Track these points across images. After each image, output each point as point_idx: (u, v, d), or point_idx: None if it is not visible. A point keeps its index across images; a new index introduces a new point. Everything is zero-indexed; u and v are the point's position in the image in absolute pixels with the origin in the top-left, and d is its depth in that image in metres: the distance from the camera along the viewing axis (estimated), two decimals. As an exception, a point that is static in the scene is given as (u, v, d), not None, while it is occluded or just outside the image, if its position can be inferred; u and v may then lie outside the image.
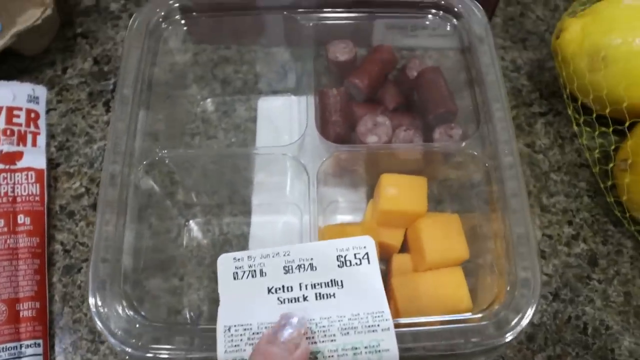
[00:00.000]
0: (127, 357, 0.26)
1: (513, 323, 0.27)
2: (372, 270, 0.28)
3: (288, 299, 0.27)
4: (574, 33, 0.39)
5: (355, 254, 0.29)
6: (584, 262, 0.38)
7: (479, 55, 0.35)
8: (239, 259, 0.29)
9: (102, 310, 0.27)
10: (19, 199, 0.38)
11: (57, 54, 0.46)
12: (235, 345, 0.26)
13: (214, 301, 0.36)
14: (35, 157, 0.40)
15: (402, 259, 0.35)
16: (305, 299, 0.27)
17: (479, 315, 0.27)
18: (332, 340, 0.26)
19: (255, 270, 0.28)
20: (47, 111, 0.43)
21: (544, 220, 0.40)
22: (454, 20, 0.38)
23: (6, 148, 0.39)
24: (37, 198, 0.38)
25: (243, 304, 0.27)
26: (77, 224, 0.39)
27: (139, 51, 0.35)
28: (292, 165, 0.35)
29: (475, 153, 0.33)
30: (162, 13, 0.36)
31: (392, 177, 0.34)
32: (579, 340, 0.36)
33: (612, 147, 0.39)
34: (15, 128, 0.40)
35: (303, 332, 0.26)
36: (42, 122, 0.42)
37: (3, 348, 0.33)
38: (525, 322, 0.27)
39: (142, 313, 0.27)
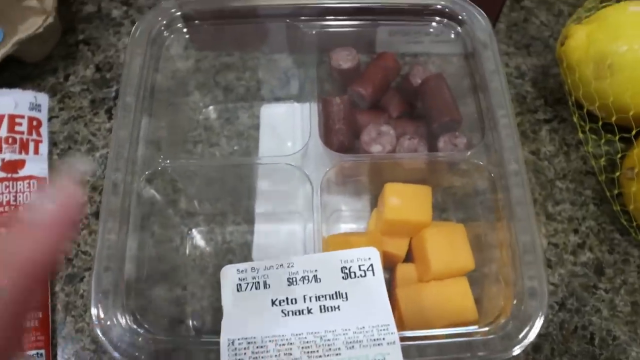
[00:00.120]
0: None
1: (520, 336, 0.26)
2: (377, 282, 0.28)
3: (292, 312, 0.27)
4: (579, 40, 0.38)
5: (359, 266, 0.28)
6: (590, 271, 0.38)
7: (483, 62, 0.35)
8: (242, 271, 0.28)
9: (104, 323, 0.27)
10: (21, 208, 0.38)
11: (59, 61, 0.46)
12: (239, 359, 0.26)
13: (217, 310, 0.36)
14: (37, 165, 0.40)
15: (407, 268, 0.35)
16: (309, 311, 0.27)
17: (486, 328, 0.27)
18: (337, 354, 0.26)
19: (259, 282, 0.28)
20: (49, 119, 0.43)
21: (549, 229, 0.39)
22: (458, 26, 0.38)
23: (8, 156, 0.39)
24: (39, 207, 0.38)
25: (247, 317, 0.27)
26: (80, 233, 0.39)
27: (142, 59, 0.35)
28: (296, 175, 0.35)
29: (481, 163, 0.32)
30: (164, 21, 0.36)
31: (397, 187, 0.34)
32: (585, 351, 0.35)
33: (619, 155, 0.39)
34: (17, 136, 0.40)
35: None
36: (44, 130, 0.42)
37: (5, 359, 0.33)
38: (533, 334, 0.26)
39: (145, 325, 0.27)
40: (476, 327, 0.27)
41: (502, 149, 0.32)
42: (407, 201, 0.34)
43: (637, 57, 0.36)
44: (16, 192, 0.38)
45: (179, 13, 0.36)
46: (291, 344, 0.26)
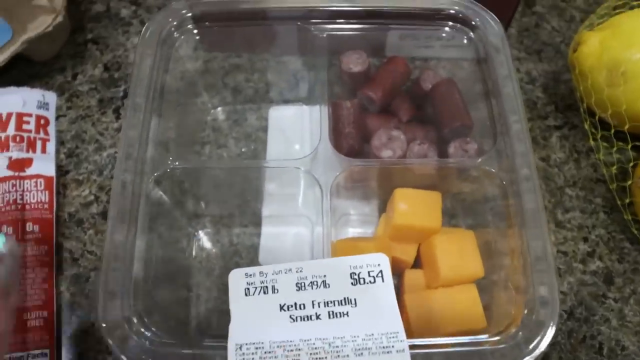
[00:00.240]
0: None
1: (531, 346, 0.26)
2: (387, 288, 0.28)
3: (300, 317, 0.27)
4: (592, 47, 0.38)
5: (369, 272, 0.28)
6: (600, 280, 0.38)
7: (495, 67, 0.35)
8: (250, 275, 0.28)
9: (111, 325, 0.26)
10: (27, 207, 0.38)
11: (67, 60, 0.46)
12: (246, 365, 0.25)
13: (223, 313, 0.36)
14: (44, 164, 0.40)
15: (415, 274, 0.34)
16: (318, 317, 0.27)
17: (496, 337, 0.27)
18: (345, 362, 0.25)
19: (267, 287, 0.28)
20: (57, 117, 0.43)
21: (558, 237, 0.39)
22: (470, 31, 0.37)
23: (15, 155, 0.39)
24: (46, 206, 0.38)
25: (254, 321, 0.27)
26: (86, 232, 0.39)
27: (151, 59, 0.34)
28: (304, 178, 0.35)
29: (493, 170, 0.32)
30: (175, 22, 0.36)
31: (406, 192, 0.34)
32: (594, 360, 0.35)
33: (631, 163, 0.38)
34: (25, 134, 0.40)
35: None
36: (51, 129, 0.42)
37: (10, 358, 0.33)
38: (544, 345, 0.26)
39: (153, 328, 0.27)
40: (486, 336, 0.27)
41: (514, 156, 0.31)
42: (416, 207, 0.33)
43: (651, 65, 0.36)
44: (23, 190, 0.38)
45: (189, 14, 0.36)
46: (299, 350, 0.26)
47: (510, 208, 0.31)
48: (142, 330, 0.27)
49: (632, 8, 0.40)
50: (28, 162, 0.39)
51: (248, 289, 0.28)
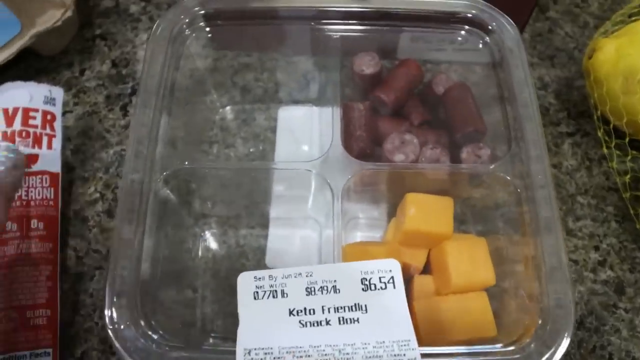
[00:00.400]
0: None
1: (545, 358, 0.25)
2: (398, 295, 0.27)
3: (310, 322, 0.26)
4: (608, 54, 0.37)
5: (380, 278, 0.28)
6: (611, 289, 0.37)
7: (511, 72, 0.34)
8: (260, 278, 0.28)
9: (118, 327, 0.26)
10: (32, 203, 0.37)
11: (75, 55, 0.46)
12: (255, 370, 0.25)
13: (229, 315, 0.35)
14: (50, 161, 0.39)
15: (425, 280, 0.34)
16: (327, 323, 0.26)
17: (510, 348, 0.26)
18: (356, 369, 0.25)
19: (276, 291, 0.27)
20: (63, 113, 0.42)
21: (569, 245, 0.39)
22: (485, 35, 0.37)
23: (21, 150, 0.38)
24: (51, 202, 0.38)
25: (263, 326, 0.26)
26: (91, 230, 0.38)
27: (162, 57, 0.34)
28: (314, 180, 0.34)
29: (508, 177, 0.32)
30: (186, 20, 0.35)
31: (418, 197, 0.33)
32: (604, 371, 0.35)
33: (644, 172, 0.38)
34: (31, 130, 0.40)
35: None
36: (58, 125, 0.41)
37: (12, 357, 0.33)
38: (558, 356, 0.26)
39: (160, 332, 0.26)
40: (500, 345, 0.26)
41: (529, 162, 0.31)
42: (428, 212, 0.33)
43: (669, 73, 0.35)
44: (28, 187, 0.37)
45: (201, 12, 0.35)
46: (309, 356, 0.25)
47: (524, 215, 0.31)
48: (149, 333, 0.26)
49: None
50: (34, 158, 0.39)
51: (257, 292, 0.27)
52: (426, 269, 0.35)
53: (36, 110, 0.40)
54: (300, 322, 0.26)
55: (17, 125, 0.39)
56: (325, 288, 0.27)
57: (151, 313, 0.28)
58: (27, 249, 0.35)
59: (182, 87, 0.36)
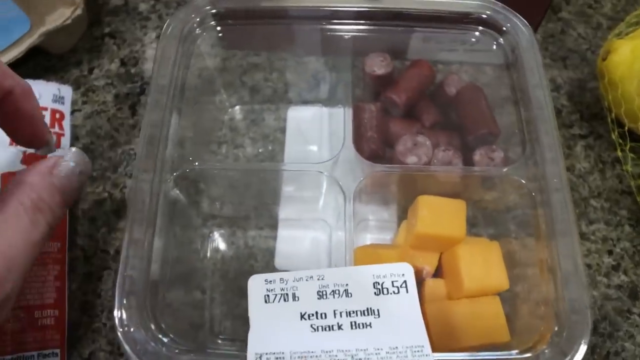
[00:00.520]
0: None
1: (561, 366, 0.25)
2: (411, 300, 0.27)
3: (322, 327, 0.26)
4: (623, 55, 0.37)
5: (392, 282, 0.27)
6: (624, 294, 0.37)
7: (525, 73, 0.34)
8: (270, 281, 0.27)
9: (128, 330, 0.26)
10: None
11: (84, 54, 0.45)
12: (266, 375, 0.25)
13: (238, 317, 0.35)
14: (59, 160, 0.39)
15: (436, 284, 0.33)
16: (339, 327, 0.26)
17: (526, 355, 0.26)
18: (369, 375, 0.25)
19: (287, 294, 0.27)
20: (72, 112, 0.42)
21: (582, 249, 0.38)
22: (499, 35, 0.36)
23: (30, 149, 0.38)
24: (59, 202, 0.37)
25: (274, 330, 0.26)
26: (99, 230, 0.38)
27: (173, 56, 0.34)
28: (325, 182, 0.34)
29: (523, 181, 0.31)
30: (197, 19, 0.35)
31: (430, 199, 0.33)
32: (618, 378, 0.34)
33: (660, 176, 0.37)
34: (40, 128, 0.39)
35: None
36: (66, 123, 0.41)
37: (20, 357, 0.32)
38: (575, 364, 0.25)
39: (171, 335, 0.26)
40: (515, 352, 0.26)
41: (544, 165, 0.30)
42: (440, 215, 0.32)
43: (686, 76, 0.35)
44: (36, 185, 0.37)
45: (212, 11, 0.35)
46: (321, 361, 0.25)
47: (539, 219, 0.30)
48: (159, 336, 0.26)
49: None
50: (43, 156, 0.38)
51: (268, 295, 0.27)
52: (437, 272, 0.34)
53: (45, 109, 0.40)
54: (311, 326, 0.26)
55: (26, 123, 0.39)
56: (337, 292, 0.27)
57: (160, 314, 0.28)
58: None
59: (192, 86, 0.36)
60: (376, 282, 0.27)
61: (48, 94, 0.41)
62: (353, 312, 0.26)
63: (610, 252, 0.38)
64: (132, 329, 0.25)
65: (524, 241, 0.33)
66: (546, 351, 0.26)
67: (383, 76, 0.38)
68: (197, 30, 0.35)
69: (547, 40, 0.47)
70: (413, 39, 0.39)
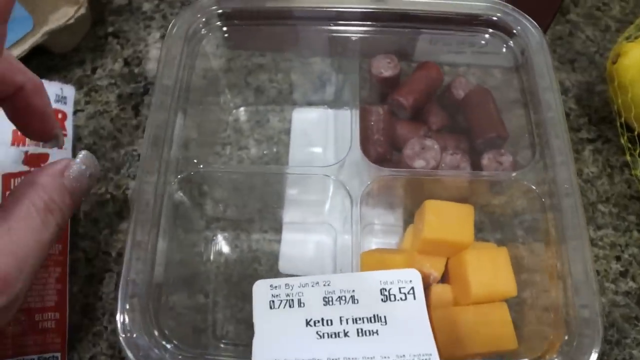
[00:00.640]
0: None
1: (572, 376, 0.25)
2: (418, 306, 0.26)
3: (328, 334, 0.26)
4: (633, 59, 0.36)
5: (400, 288, 0.27)
6: (633, 301, 0.36)
7: (535, 76, 0.33)
8: (276, 287, 0.27)
9: (130, 335, 0.25)
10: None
11: (87, 53, 0.45)
12: (271, 383, 0.24)
13: (241, 321, 0.35)
14: (61, 160, 0.38)
15: (442, 289, 0.33)
16: (346, 334, 0.26)
17: (536, 364, 0.25)
18: (376, 384, 0.24)
19: (292, 300, 0.27)
20: (75, 112, 0.42)
21: (590, 255, 0.38)
22: (508, 38, 0.36)
23: (32, 149, 0.38)
24: (61, 203, 0.37)
25: (279, 337, 0.26)
26: (101, 232, 0.38)
27: (178, 56, 0.33)
28: (331, 185, 0.33)
29: (532, 186, 0.31)
30: (203, 19, 0.35)
31: (437, 204, 0.32)
32: (626, 386, 0.34)
33: (670, 181, 0.37)
34: (42, 128, 0.39)
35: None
36: (69, 124, 0.41)
37: (20, 360, 0.32)
38: (585, 374, 0.25)
39: (174, 341, 0.26)
40: (525, 361, 0.26)
41: (555, 170, 0.30)
42: (447, 220, 0.32)
43: (698, 80, 0.34)
44: (38, 186, 0.37)
45: (218, 11, 0.35)
46: (327, 369, 0.24)
47: (549, 224, 0.30)
48: (163, 342, 0.25)
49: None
50: (44, 157, 0.38)
51: (273, 301, 0.26)
52: (444, 278, 0.34)
53: (47, 109, 0.40)
54: (317, 333, 0.26)
55: (28, 123, 0.39)
56: (343, 298, 0.27)
57: (163, 318, 0.27)
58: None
59: (196, 87, 0.36)
60: (383, 289, 0.27)
61: (50, 94, 0.40)
62: (359, 318, 0.26)
63: (618, 258, 0.38)
64: (134, 335, 0.25)
65: (532, 247, 0.32)
66: (557, 360, 0.25)
67: (390, 78, 0.37)
68: (203, 31, 0.35)
69: (555, 43, 0.47)
70: (420, 40, 0.39)
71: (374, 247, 0.36)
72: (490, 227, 0.37)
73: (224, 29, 0.36)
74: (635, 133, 0.38)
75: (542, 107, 0.32)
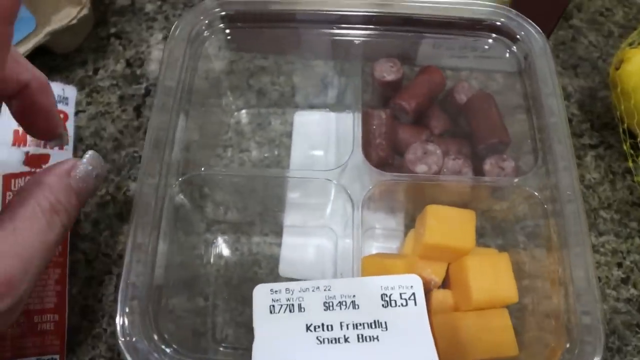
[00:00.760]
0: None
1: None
2: (420, 313, 0.26)
3: (328, 339, 0.25)
4: (636, 65, 0.36)
5: (401, 294, 0.27)
6: (634, 308, 0.36)
7: (538, 81, 0.33)
8: (276, 291, 0.27)
9: (130, 339, 0.25)
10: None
11: (89, 54, 0.45)
12: (271, 388, 0.24)
13: (241, 325, 0.34)
14: (62, 161, 0.38)
15: (443, 295, 0.33)
16: (346, 340, 0.25)
17: (537, 372, 0.25)
18: (376, 391, 0.24)
19: (293, 305, 0.26)
20: (76, 113, 0.42)
21: (592, 261, 0.37)
22: (511, 42, 0.36)
23: (32, 150, 0.38)
24: (61, 204, 0.37)
25: (279, 342, 0.25)
26: (102, 234, 0.38)
27: (180, 58, 0.33)
28: (332, 189, 0.33)
29: (535, 192, 0.30)
30: (206, 21, 0.34)
31: (439, 209, 0.32)
32: (627, 394, 0.33)
33: (672, 188, 0.37)
34: (43, 129, 0.39)
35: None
36: (70, 124, 0.40)
37: (18, 362, 0.32)
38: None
39: (173, 345, 0.25)
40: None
41: (557, 175, 0.30)
42: (449, 225, 0.32)
43: (701, 87, 0.34)
44: (39, 187, 0.37)
45: (222, 13, 0.35)
46: (327, 375, 0.24)
47: (551, 230, 0.29)
48: (162, 346, 0.25)
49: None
50: (45, 158, 0.38)
51: (273, 306, 0.26)
52: (445, 283, 0.34)
53: (48, 110, 0.40)
54: (317, 338, 0.25)
55: (29, 124, 0.38)
56: (343, 303, 0.26)
57: (162, 322, 0.27)
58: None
59: (198, 89, 0.36)
60: (384, 294, 0.27)
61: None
62: (360, 324, 0.26)
63: (619, 265, 0.37)
64: (134, 339, 0.25)
65: (534, 253, 0.32)
66: (558, 368, 0.25)
67: (392, 82, 0.37)
68: (205, 33, 0.35)
69: (557, 48, 0.47)
70: (423, 44, 0.39)
71: (374, 251, 0.36)
72: (492, 232, 0.37)
73: (227, 31, 0.36)
74: (638, 139, 0.38)
75: (545, 113, 0.32)
